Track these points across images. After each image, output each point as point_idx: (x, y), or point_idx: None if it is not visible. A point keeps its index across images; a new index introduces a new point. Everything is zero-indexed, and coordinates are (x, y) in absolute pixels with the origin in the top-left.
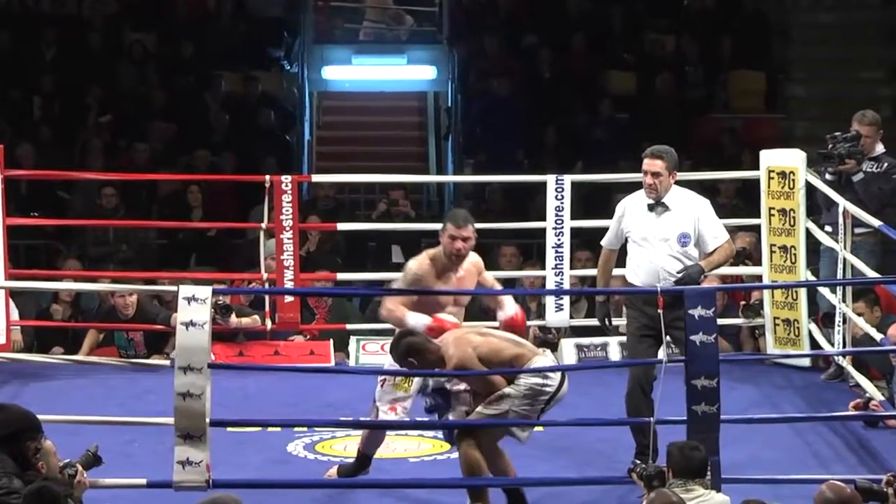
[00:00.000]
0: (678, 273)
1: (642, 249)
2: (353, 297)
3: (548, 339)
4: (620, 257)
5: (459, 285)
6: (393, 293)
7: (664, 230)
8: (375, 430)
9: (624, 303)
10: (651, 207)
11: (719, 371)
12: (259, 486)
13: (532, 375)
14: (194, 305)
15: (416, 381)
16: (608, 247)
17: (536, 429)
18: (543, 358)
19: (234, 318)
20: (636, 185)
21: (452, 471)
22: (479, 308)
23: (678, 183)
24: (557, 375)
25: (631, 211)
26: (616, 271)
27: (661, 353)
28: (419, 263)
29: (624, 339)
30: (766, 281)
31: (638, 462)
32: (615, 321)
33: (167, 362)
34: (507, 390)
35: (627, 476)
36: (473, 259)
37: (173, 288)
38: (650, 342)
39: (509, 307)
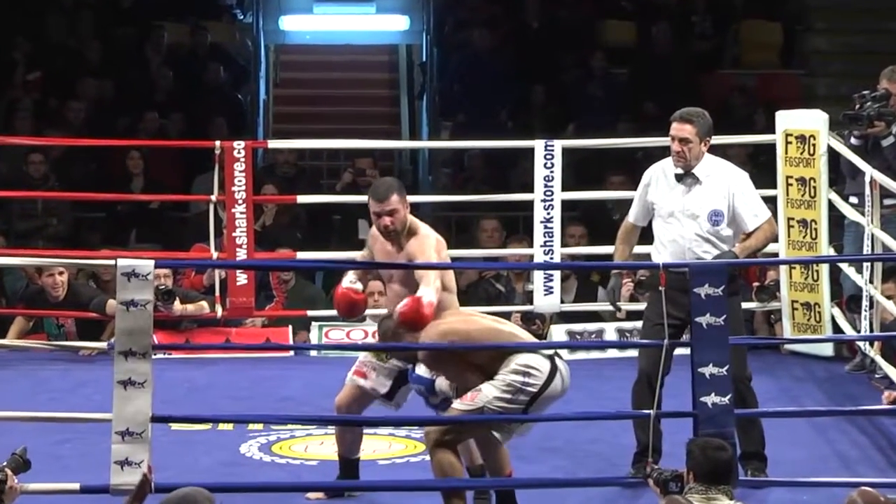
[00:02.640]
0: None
1: (668, 226)
2: (314, 278)
3: (531, 331)
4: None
5: (388, 259)
6: (356, 266)
7: (694, 205)
8: (347, 427)
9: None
10: (680, 178)
11: (730, 357)
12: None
13: (511, 371)
14: (135, 282)
15: (394, 359)
16: (633, 221)
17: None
18: (529, 353)
19: (178, 305)
20: (634, 152)
21: (428, 474)
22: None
23: (724, 150)
24: (543, 373)
25: (658, 180)
26: (639, 248)
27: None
28: (371, 233)
29: (623, 325)
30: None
31: (654, 466)
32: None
33: (104, 345)
34: (483, 385)
35: (626, 478)
36: (409, 239)
37: (110, 262)
38: (670, 332)
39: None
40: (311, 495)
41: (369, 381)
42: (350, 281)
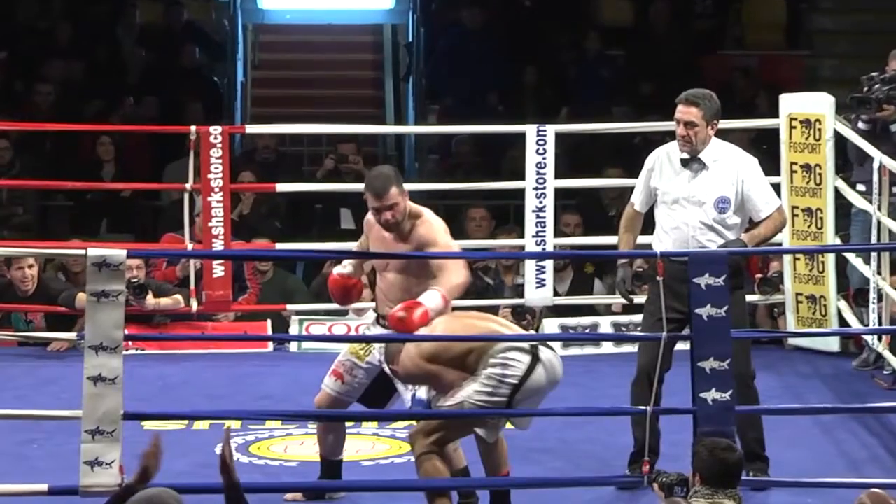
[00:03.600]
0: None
1: (672, 213)
2: (296, 269)
3: (522, 327)
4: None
5: (386, 249)
6: (344, 256)
7: (700, 192)
8: (329, 425)
9: (642, 275)
10: (685, 163)
11: (731, 351)
12: (183, 491)
13: (489, 365)
14: (106, 273)
15: (376, 351)
16: (636, 207)
17: (507, 426)
18: (507, 345)
19: (150, 299)
20: (631, 137)
21: (413, 475)
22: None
23: (725, 135)
24: (522, 363)
25: (662, 165)
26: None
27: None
28: (365, 222)
29: (619, 319)
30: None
31: (659, 470)
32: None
33: (73, 335)
34: (464, 383)
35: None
36: (414, 226)
37: (80, 252)
38: (672, 327)
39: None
40: (290, 496)
41: (345, 385)
42: (342, 267)
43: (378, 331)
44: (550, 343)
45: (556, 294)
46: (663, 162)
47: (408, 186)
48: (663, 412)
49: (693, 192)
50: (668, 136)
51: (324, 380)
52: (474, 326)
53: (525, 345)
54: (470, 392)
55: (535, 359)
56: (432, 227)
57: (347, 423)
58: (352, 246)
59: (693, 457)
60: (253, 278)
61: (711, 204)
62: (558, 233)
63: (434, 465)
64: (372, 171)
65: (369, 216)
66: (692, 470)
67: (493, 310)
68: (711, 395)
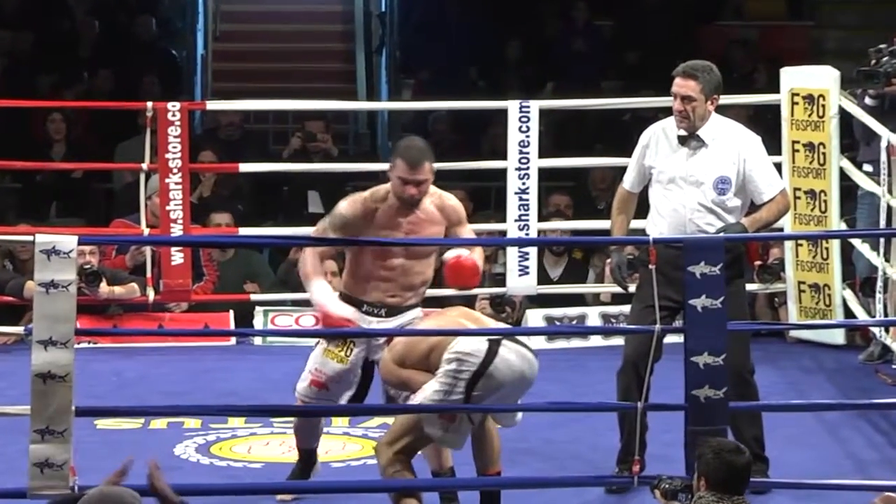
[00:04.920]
0: (715, 233)
1: (668, 193)
2: (261, 251)
3: (501, 319)
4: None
5: (413, 232)
6: (326, 243)
7: (698, 171)
8: (302, 421)
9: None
10: (683, 141)
11: (727, 346)
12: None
13: (445, 361)
14: (56, 261)
15: (357, 350)
16: (628, 188)
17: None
18: (465, 339)
19: (104, 287)
20: (621, 113)
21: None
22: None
23: (721, 112)
24: (476, 356)
25: (658, 142)
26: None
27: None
28: (352, 205)
29: (608, 309)
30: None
31: (663, 476)
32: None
33: (20, 330)
34: (427, 383)
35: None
36: (440, 200)
37: (28, 238)
38: (662, 315)
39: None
40: (280, 497)
41: (330, 392)
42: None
43: (368, 322)
44: (528, 336)
45: (548, 280)
46: (659, 138)
47: (380, 166)
48: (653, 408)
49: (691, 171)
50: (662, 112)
51: (298, 388)
52: (441, 320)
53: (482, 337)
54: (428, 393)
55: (493, 350)
56: (458, 206)
57: None
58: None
59: (697, 460)
60: (210, 264)
61: (710, 184)
62: (542, 216)
63: (401, 476)
64: (404, 141)
65: (359, 204)
66: (696, 473)
67: (471, 300)
68: (704, 391)
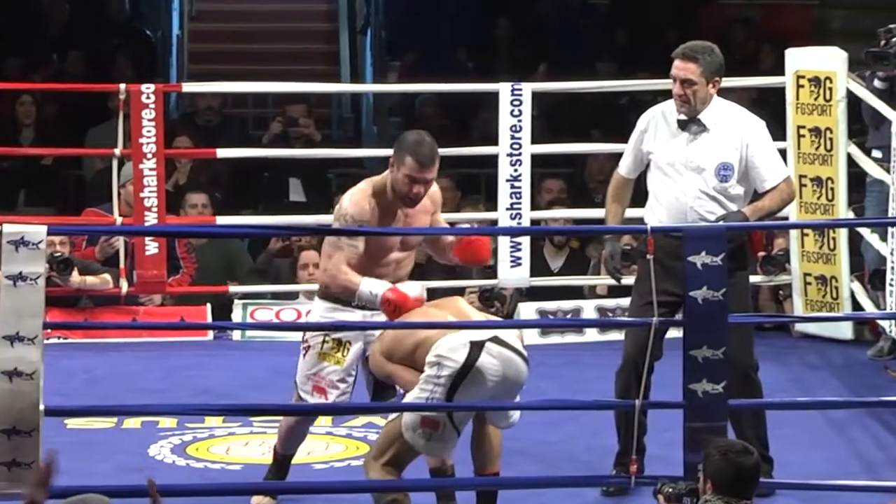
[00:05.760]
0: (715, 221)
1: (667, 180)
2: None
3: (490, 314)
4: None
5: (408, 225)
6: (318, 232)
7: (699, 157)
8: (296, 425)
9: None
10: (683, 125)
11: (727, 339)
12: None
13: (428, 365)
14: (24, 252)
15: (354, 349)
16: (624, 174)
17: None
18: (452, 336)
19: (76, 276)
20: (618, 97)
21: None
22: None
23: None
24: (456, 361)
25: (657, 126)
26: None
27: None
28: (358, 205)
29: (604, 302)
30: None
31: (666, 481)
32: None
33: None
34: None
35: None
36: (434, 189)
37: None
38: (664, 311)
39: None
40: (255, 500)
41: (332, 399)
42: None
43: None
44: (519, 334)
45: (548, 272)
46: (658, 122)
47: (366, 152)
48: (651, 406)
49: (691, 156)
50: (661, 95)
51: (304, 396)
52: (429, 315)
53: (465, 339)
54: (410, 401)
55: (474, 354)
56: (436, 185)
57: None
58: (303, 220)
59: (704, 461)
60: (187, 257)
61: (712, 171)
62: (535, 205)
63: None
64: (412, 135)
65: (360, 212)
66: (702, 476)
67: (461, 293)
68: (702, 386)
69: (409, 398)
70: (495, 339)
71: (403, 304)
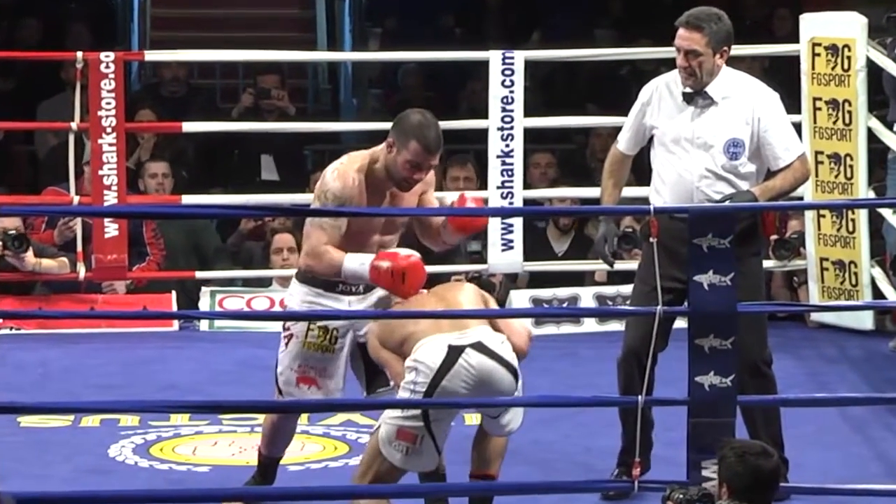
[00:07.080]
0: (721, 201)
1: (672, 157)
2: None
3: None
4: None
5: (394, 205)
6: (292, 213)
7: (706, 132)
8: (280, 422)
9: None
10: (689, 98)
11: (737, 327)
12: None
13: (407, 370)
14: None
15: (348, 336)
16: (622, 150)
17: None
18: (438, 336)
19: (30, 256)
20: (618, 66)
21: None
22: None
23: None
24: (431, 368)
25: (661, 99)
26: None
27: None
28: (344, 179)
29: (603, 290)
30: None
31: (675, 486)
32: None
33: None
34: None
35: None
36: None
37: None
38: (669, 298)
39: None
40: None
41: (322, 389)
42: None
43: (345, 302)
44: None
45: (553, 256)
46: (662, 95)
47: (345, 126)
48: (655, 403)
49: (698, 132)
50: (664, 65)
51: (285, 389)
52: (421, 303)
53: (444, 343)
54: (388, 414)
55: (450, 361)
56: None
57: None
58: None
59: (719, 463)
60: (154, 243)
61: (720, 148)
62: (528, 182)
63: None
64: (415, 117)
65: (346, 188)
66: (718, 479)
67: (445, 280)
68: (709, 378)
69: (388, 412)
70: (477, 346)
71: (394, 260)
